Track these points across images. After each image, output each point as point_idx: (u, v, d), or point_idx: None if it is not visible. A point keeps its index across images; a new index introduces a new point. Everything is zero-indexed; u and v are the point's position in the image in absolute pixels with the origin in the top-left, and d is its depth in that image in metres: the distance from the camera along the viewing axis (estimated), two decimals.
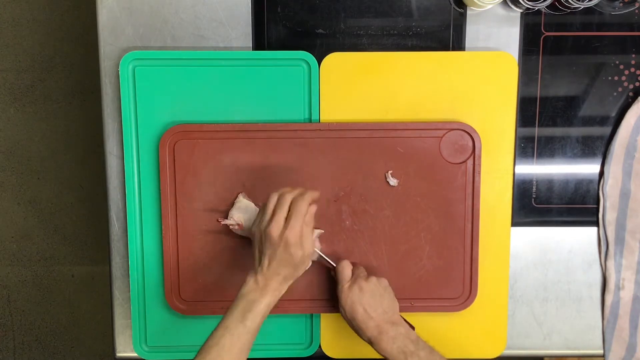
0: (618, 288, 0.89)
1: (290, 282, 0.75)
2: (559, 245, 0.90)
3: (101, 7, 0.85)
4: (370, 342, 0.76)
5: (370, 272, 0.85)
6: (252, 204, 0.83)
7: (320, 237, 0.85)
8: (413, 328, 0.79)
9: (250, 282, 0.73)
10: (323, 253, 0.83)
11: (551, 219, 0.89)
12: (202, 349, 0.69)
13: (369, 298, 0.77)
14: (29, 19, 1.71)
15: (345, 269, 0.80)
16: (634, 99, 0.87)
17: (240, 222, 0.82)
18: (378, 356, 0.88)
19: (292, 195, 0.73)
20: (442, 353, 0.89)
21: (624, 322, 0.89)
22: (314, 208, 0.74)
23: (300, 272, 0.76)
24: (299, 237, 0.72)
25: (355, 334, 0.78)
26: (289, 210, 0.72)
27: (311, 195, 0.74)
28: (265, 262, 0.73)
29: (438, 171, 0.84)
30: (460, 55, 0.85)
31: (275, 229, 0.72)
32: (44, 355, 1.82)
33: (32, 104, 1.74)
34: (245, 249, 0.85)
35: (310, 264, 0.81)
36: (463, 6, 0.85)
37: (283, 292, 0.74)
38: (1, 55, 1.72)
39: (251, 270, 0.75)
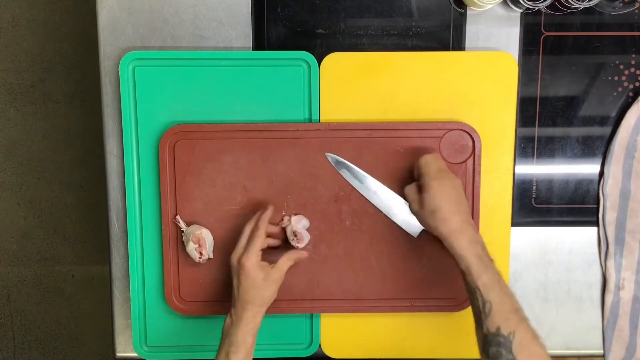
0: (618, 288, 0.89)
1: (265, 307, 0.76)
2: (559, 245, 0.90)
3: (101, 7, 0.85)
4: (447, 236, 0.71)
5: (370, 272, 0.85)
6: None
7: (320, 236, 0.84)
8: None
9: (227, 318, 0.76)
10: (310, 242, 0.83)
11: (551, 219, 0.89)
12: None
13: (457, 194, 0.74)
14: (29, 19, 1.71)
15: (409, 188, 0.77)
16: (634, 99, 0.87)
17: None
18: (378, 356, 0.88)
19: (250, 225, 0.78)
20: (442, 353, 0.90)
21: (624, 322, 0.89)
22: (273, 228, 0.80)
23: (270, 294, 0.76)
24: (255, 260, 0.74)
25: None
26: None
27: (264, 216, 0.78)
28: (235, 293, 0.75)
29: None
30: (460, 55, 0.85)
31: (234, 257, 0.76)
32: (44, 355, 1.82)
33: (32, 104, 1.74)
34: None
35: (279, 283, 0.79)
36: (463, 6, 0.85)
37: (260, 316, 0.75)
38: (1, 55, 1.72)
39: (231, 306, 0.76)
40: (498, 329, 0.65)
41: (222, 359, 0.73)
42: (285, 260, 0.77)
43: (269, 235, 0.81)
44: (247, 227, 0.78)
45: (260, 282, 0.74)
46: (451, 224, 0.71)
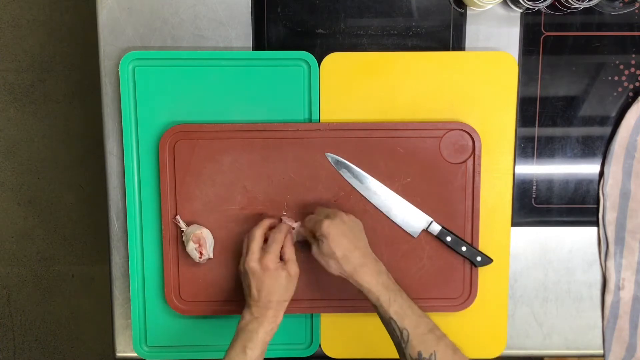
0: (618, 288, 0.89)
1: (286, 304, 0.76)
2: (559, 245, 0.90)
3: (101, 7, 0.85)
4: (351, 273, 0.73)
5: None
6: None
7: None
8: None
9: (246, 316, 0.76)
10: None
11: (551, 219, 0.89)
12: None
13: (350, 230, 0.76)
14: (29, 19, 1.71)
15: (321, 209, 0.80)
16: (634, 99, 0.87)
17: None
18: (378, 356, 0.88)
19: (261, 229, 0.78)
20: None
21: (624, 322, 0.89)
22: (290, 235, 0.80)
23: (291, 292, 0.77)
24: (277, 261, 0.75)
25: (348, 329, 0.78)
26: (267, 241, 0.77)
27: (286, 227, 0.79)
28: (255, 292, 0.75)
29: (438, 171, 0.84)
30: (460, 55, 0.85)
31: (253, 259, 0.75)
32: (44, 355, 1.82)
33: (32, 104, 1.74)
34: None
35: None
36: (463, 6, 0.85)
37: (281, 316, 0.76)
38: (1, 55, 1.72)
39: (245, 306, 0.77)
40: (419, 353, 0.68)
41: (238, 353, 0.73)
42: (289, 251, 0.77)
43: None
44: (258, 230, 0.78)
45: (284, 281, 0.75)
46: (352, 261, 0.73)
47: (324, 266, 0.75)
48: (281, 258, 0.77)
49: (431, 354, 0.68)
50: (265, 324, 0.74)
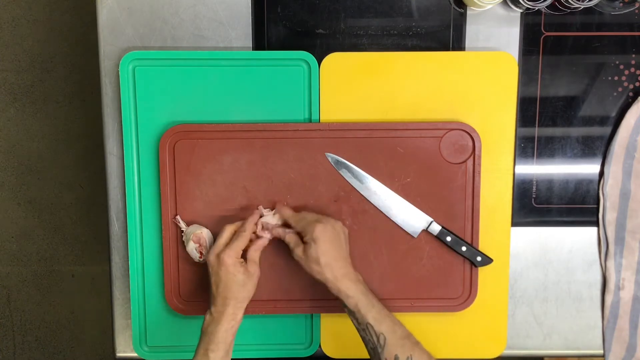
0: (618, 288, 0.89)
1: (245, 303, 0.76)
2: (559, 245, 0.90)
3: (101, 7, 0.85)
4: (333, 280, 0.74)
5: (370, 272, 0.85)
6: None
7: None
8: None
9: (207, 317, 0.76)
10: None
11: (551, 219, 0.89)
12: None
13: (338, 238, 0.76)
14: (29, 19, 1.71)
15: (290, 236, 0.79)
16: (634, 99, 0.87)
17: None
18: None
19: (234, 226, 0.78)
20: (442, 353, 0.90)
21: (624, 322, 0.89)
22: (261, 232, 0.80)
23: (249, 292, 0.76)
24: (236, 257, 0.75)
25: (353, 329, 0.78)
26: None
27: (252, 218, 0.79)
28: (214, 290, 0.75)
29: (438, 171, 0.84)
30: (460, 55, 0.85)
31: (212, 254, 0.76)
32: (44, 355, 1.82)
33: (32, 104, 1.74)
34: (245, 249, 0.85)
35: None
36: (463, 6, 0.85)
37: (240, 314, 0.75)
38: (1, 55, 1.72)
39: (207, 308, 0.77)
40: (396, 356, 0.69)
41: (201, 357, 0.73)
42: (253, 252, 0.78)
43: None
44: (229, 226, 0.79)
45: (240, 277, 0.75)
46: (335, 269, 0.74)
47: (305, 267, 0.76)
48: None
49: (408, 357, 0.69)
50: (224, 322, 0.74)
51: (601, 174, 0.88)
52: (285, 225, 0.81)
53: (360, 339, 0.76)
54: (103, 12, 0.85)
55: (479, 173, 0.84)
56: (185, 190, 0.84)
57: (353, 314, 0.74)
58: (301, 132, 0.83)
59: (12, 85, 1.73)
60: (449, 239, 0.83)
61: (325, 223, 0.75)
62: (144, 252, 0.86)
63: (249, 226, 0.79)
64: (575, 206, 0.89)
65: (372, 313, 0.72)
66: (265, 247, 0.80)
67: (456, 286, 0.86)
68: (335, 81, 0.84)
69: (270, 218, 0.81)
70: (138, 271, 0.87)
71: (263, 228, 0.81)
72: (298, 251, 0.76)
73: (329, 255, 0.74)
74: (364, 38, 0.86)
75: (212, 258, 0.76)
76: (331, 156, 0.83)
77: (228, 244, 0.77)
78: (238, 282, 0.75)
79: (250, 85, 0.84)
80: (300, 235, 0.77)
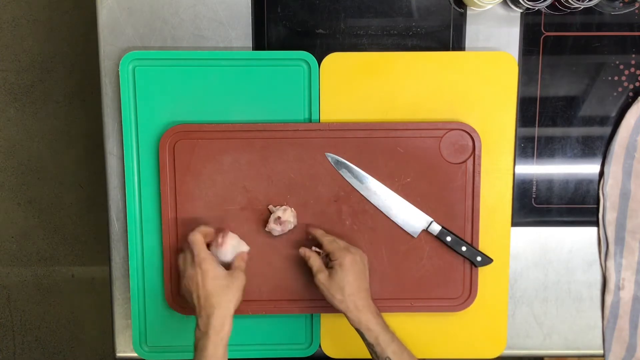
0: (618, 288, 0.89)
1: (230, 311, 0.73)
2: (559, 245, 0.90)
3: (101, 7, 0.85)
4: (354, 310, 0.74)
5: (370, 272, 0.85)
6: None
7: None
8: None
9: (196, 333, 0.73)
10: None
11: (551, 219, 0.89)
12: None
13: (363, 271, 0.77)
14: (29, 19, 1.71)
15: (314, 259, 0.79)
16: (634, 99, 0.87)
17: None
18: None
19: (200, 235, 0.78)
20: (442, 353, 0.90)
21: (624, 322, 0.89)
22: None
23: (234, 295, 0.74)
24: (214, 263, 0.75)
25: (353, 331, 0.78)
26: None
27: (198, 231, 0.78)
28: (195, 301, 0.73)
29: (438, 171, 0.84)
30: (460, 55, 0.85)
31: (185, 264, 0.76)
32: (44, 355, 1.82)
33: (32, 104, 1.74)
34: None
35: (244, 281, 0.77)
36: (463, 6, 0.85)
37: (227, 327, 0.72)
38: (1, 55, 1.72)
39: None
40: None
41: None
42: (239, 262, 0.78)
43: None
44: (198, 235, 0.77)
45: (222, 280, 0.74)
46: (357, 300, 0.75)
47: (325, 294, 0.76)
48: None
49: None
50: (212, 334, 0.70)
51: (601, 174, 0.88)
52: (284, 225, 0.81)
53: (359, 339, 0.76)
54: (103, 12, 0.85)
55: (479, 173, 0.84)
56: (185, 190, 0.84)
57: (372, 347, 0.74)
58: (301, 132, 0.83)
59: (12, 85, 1.73)
60: (449, 239, 0.83)
61: (354, 254, 0.77)
62: (144, 252, 0.86)
63: (202, 247, 0.77)
64: (575, 206, 0.89)
65: (391, 347, 0.73)
66: (265, 247, 0.81)
67: (456, 286, 0.86)
68: (335, 81, 0.84)
69: (281, 212, 0.82)
70: (138, 271, 0.87)
71: (276, 221, 0.82)
72: (321, 277, 0.76)
73: (354, 286, 0.75)
74: (364, 38, 0.86)
75: (185, 267, 0.76)
76: (331, 156, 0.83)
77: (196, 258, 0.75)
78: (220, 285, 0.73)
79: (250, 85, 0.84)
80: (326, 258, 0.78)
